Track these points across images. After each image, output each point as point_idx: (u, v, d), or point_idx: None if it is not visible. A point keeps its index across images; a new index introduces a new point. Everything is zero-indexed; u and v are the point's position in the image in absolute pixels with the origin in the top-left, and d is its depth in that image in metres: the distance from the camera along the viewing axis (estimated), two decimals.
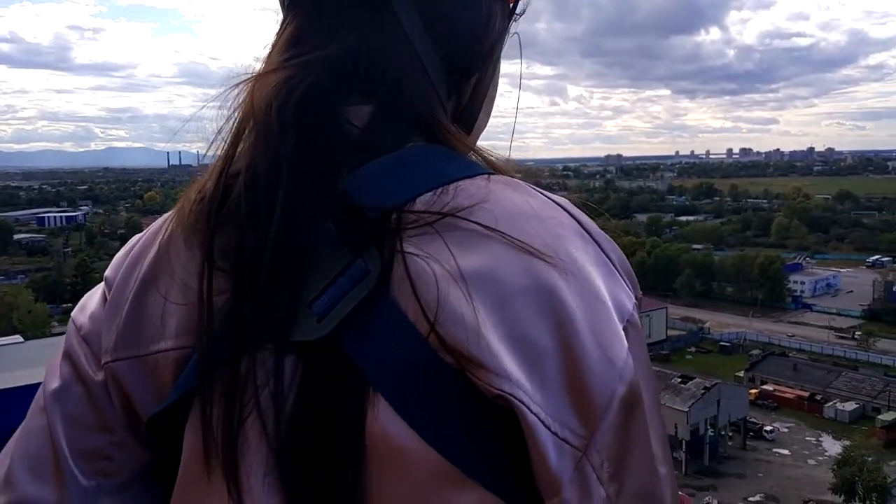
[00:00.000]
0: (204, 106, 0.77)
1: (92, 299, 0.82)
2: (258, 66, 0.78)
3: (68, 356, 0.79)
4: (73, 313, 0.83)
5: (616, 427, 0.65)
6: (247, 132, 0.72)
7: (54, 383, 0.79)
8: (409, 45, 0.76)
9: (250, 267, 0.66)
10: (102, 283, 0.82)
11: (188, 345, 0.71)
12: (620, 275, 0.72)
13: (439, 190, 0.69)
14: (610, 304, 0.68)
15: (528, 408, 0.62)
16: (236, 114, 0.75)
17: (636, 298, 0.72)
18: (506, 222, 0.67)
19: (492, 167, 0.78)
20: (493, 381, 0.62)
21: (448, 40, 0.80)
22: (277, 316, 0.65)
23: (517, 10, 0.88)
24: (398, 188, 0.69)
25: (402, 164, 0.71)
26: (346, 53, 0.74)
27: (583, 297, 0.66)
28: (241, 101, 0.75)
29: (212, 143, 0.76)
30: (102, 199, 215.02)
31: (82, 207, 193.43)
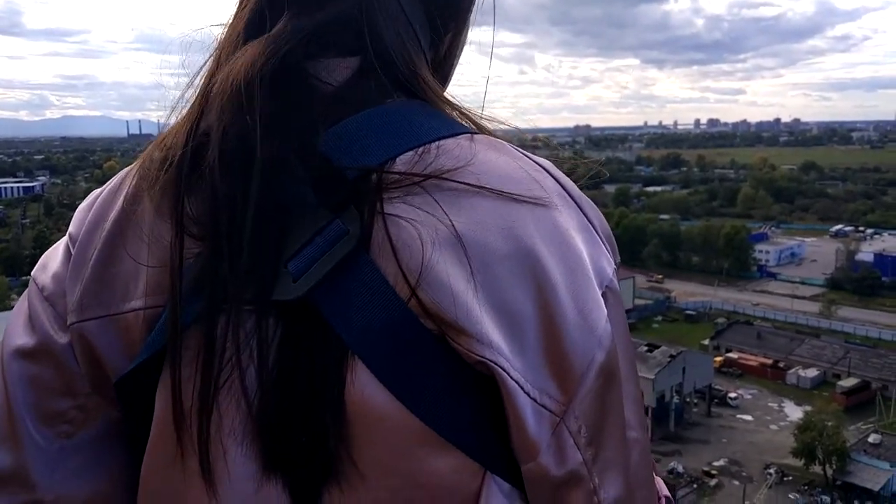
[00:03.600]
0: (184, 75, 0.75)
1: (54, 258, 0.79)
2: (219, 31, 0.77)
3: (29, 318, 0.76)
4: (34, 272, 0.79)
5: (594, 393, 0.66)
6: (215, 93, 0.69)
7: (13, 344, 0.75)
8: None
9: (227, 228, 0.64)
10: (65, 239, 0.79)
11: (159, 304, 0.69)
12: (601, 240, 0.72)
13: (420, 149, 0.67)
14: (591, 269, 0.68)
15: (508, 374, 0.63)
16: (201, 77, 0.74)
17: (615, 264, 0.73)
18: (490, 185, 0.66)
19: (474, 125, 0.76)
20: (473, 347, 0.62)
21: None
22: (256, 276, 0.64)
23: None
24: (377, 147, 0.67)
25: (380, 121, 0.69)
26: (337, 13, 0.72)
27: (564, 263, 0.66)
28: (209, 65, 0.74)
29: (175, 106, 0.74)
30: (60, 170, 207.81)
31: (40, 178, 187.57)
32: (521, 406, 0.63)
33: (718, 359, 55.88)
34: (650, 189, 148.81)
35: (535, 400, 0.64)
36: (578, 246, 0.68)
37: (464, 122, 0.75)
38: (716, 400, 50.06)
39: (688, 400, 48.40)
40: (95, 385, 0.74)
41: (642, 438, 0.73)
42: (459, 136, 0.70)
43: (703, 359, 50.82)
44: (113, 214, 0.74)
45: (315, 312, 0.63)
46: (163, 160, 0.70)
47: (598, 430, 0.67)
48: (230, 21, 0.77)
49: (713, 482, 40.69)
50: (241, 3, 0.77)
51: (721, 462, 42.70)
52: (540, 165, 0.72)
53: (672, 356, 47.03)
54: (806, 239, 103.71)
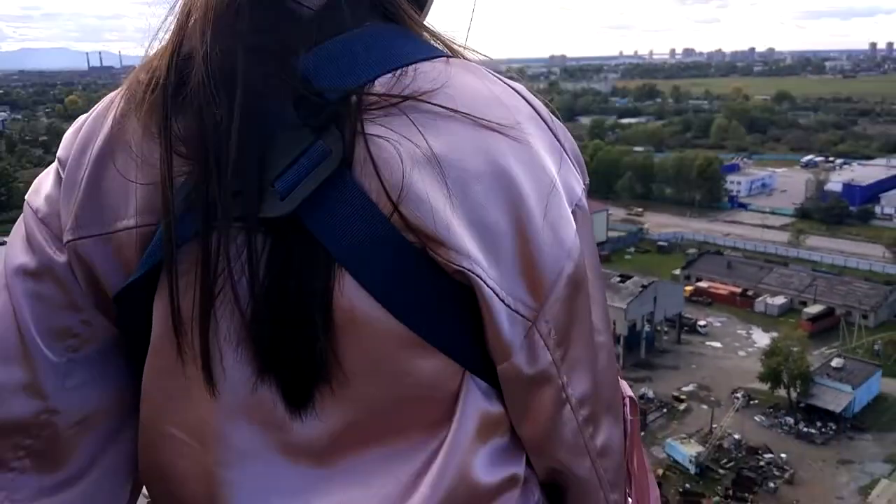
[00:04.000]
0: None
1: (45, 181, 0.81)
2: None
3: (27, 239, 0.79)
4: (27, 196, 0.82)
5: (563, 300, 0.72)
6: (196, 16, 0.71)
7: (15, 264, 0.78)
8: None
9: (214, 148, 0.67)
10: (55, 164, 0.81)
11: (152, 222, 0.71)
12: (571, 161, 0.77)
13: (398, 72, 0.70)
14: (561, 188, 0.73)
15: (485, 282, 0.68)
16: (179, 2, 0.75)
17: (584, 184, 0.78)
18: (465, 107, 0.69)
19: (449, 50, 0.78)
20: (452, 257, 0.67)
21: None
22: (244, 194, 0.66)
23: None
24: (356, 69, 0.69)
25: (359, 44, 0.71)
26: None
27: (536, 182, 0.70)
28: None
29: (159, 28, 0.76)
30: (20, 105, 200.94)
31: (0, 113, 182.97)
32: (496, 311, 0.69)
33: (689, 288, 57.03)
34: (625, 121, 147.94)
35: (509, 306, 0.69)
36: (549, 166, 0.72)
37: (440, 47, 0.78)
38: (686, 328, 51.30)
39: (658, 328, 49.53)
40: (96, 302, 0.77)
41: (608, 342, 0.80)
42: (436, 60, 0.73)
43: (674, 288, 51.79)
44: (101, 137, 0.76)
45: (302, 228, 0.67)
46: (148, 82, 0.72)
47: (566, 333, 0.73)
48: None
49: (682, 406, 42.09)
50: None
51: (690, 387, 44.05)
52: (513, 89, 0.75)
53: (644, 286, 47.82)
54: (777, 170, 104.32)
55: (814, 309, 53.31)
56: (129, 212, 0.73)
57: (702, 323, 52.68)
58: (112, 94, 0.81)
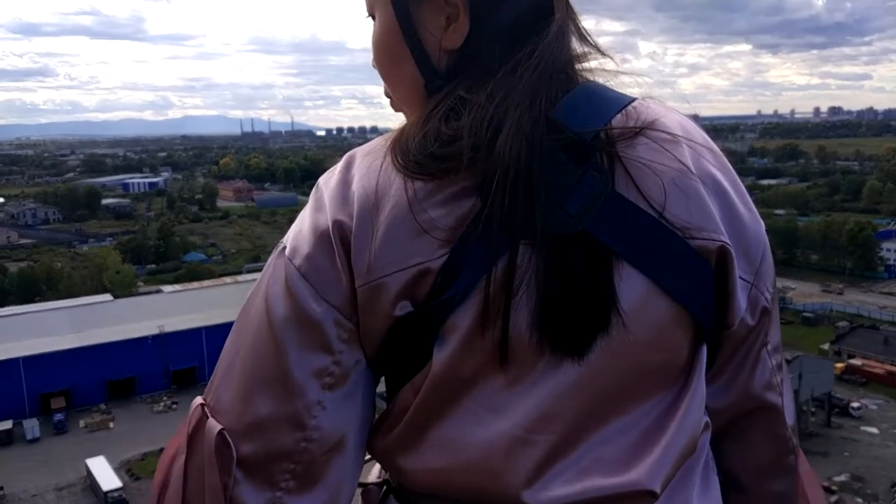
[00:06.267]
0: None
1: (304, 243, 0.91)
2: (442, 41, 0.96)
3: (289, 291, 0.90)
4: (287, 254, 0.92)
5: (764, 267, 0.98)
6: (510, 104, 0.87)
7: (280, 313, 0.89)
8: (578, 28, 0.99)
9: (513, 186, 0.84)
10: (320, 229, 0.90)
11: (445, 254, 0.85)
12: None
13: (623, 111, 0.92)
14: (741, 185, 0.99)
15: (734, 255, 0.92)
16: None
17: None
18: (682, 132, 0.94)
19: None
20: (715, 237, 0.90)
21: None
22: (540, 218, 0.84)
23: None
24: (595, 115, 0.90)
25: (585, 98, 0.92)
26: (559, 42, 0.94)
27: (731, 180, 0.96)
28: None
29: (431, 113, 0.91)
30: (181, 166, 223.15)
31: (163, 174, 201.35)
32: (735, 279, 0.92)
33: (840, 365, 52.26)
34: (765, 182, 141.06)
35: (740, 276, 0.93)
36: (731, 168, 0.99)
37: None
38: (836, 409, 46.88)
39: (805, 408, 45.53)
40: (367, 331, 0.90)
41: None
42: (637, 101, 0.96)
43: (822, 364, 47.63)
44: (387, 207, 0.88)
45: (583, 237, 0.85)
46: (435, 157, 0.87)
47: (772, 289, 1.01)
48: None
49: (833, 499, 38.02)
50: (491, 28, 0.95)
51: (842, 477, 39.88)
52: (692, 118, 1.02)
53: (787, 361, 43.71)
54: None
55: None
56: (426, 252, 0.85)
57: (855, 405, 47.87)
58: (369, 160, 0.93)
